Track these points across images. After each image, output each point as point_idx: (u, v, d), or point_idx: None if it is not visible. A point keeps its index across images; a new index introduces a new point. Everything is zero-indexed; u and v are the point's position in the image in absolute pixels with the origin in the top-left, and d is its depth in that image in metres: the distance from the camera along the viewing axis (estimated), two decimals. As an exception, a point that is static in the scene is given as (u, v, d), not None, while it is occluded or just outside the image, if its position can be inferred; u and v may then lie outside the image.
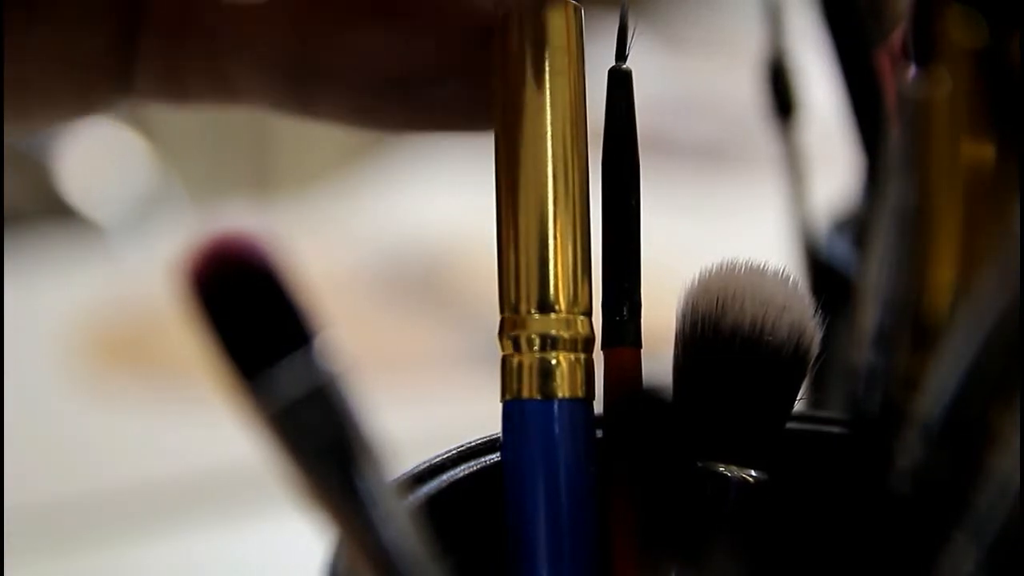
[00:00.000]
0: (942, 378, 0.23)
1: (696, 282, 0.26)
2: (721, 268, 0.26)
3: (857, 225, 0.40)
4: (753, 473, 0.25)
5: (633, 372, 0.26)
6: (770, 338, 0.25)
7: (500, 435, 0.27)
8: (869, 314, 0.25)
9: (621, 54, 0.26)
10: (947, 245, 0.24)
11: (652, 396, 0.24)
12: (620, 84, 0.27)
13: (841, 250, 0.40)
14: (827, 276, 0.40)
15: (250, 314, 0.21)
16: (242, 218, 0.21)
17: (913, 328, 0.24)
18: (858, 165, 0.39)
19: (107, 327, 0.70)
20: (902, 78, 0.23)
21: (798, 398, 0.26)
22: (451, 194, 0.84)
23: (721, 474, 0.25)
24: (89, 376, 0.64)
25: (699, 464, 0.25)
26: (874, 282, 0.24)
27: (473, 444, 0.27)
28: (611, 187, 0.27)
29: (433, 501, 0.25)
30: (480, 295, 0.69)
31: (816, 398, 0.28)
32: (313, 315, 0.21)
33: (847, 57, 0.37)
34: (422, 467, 0.26)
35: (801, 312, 0.26)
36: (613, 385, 0.26)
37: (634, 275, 0.27)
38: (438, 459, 0.26)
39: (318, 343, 0.21)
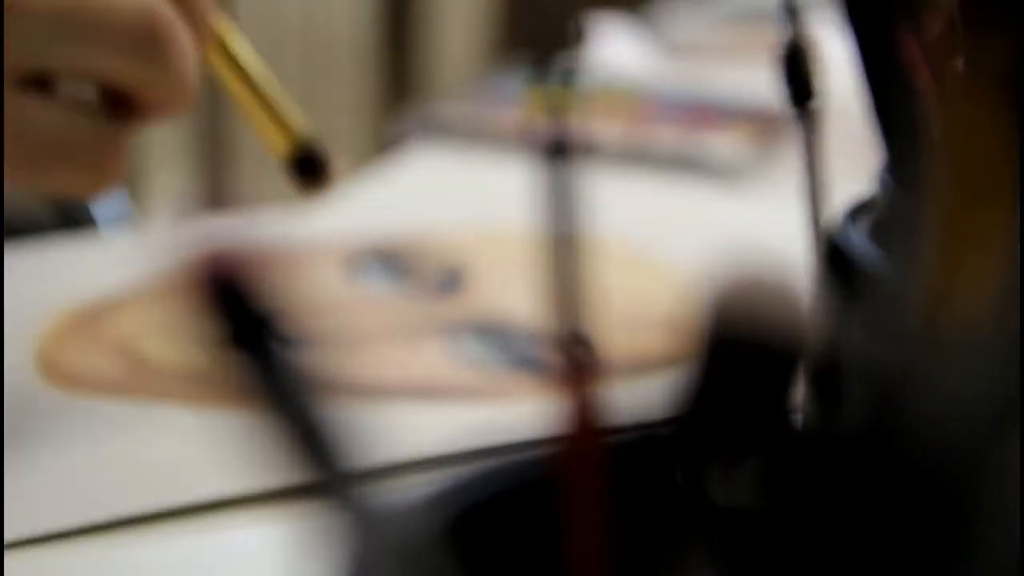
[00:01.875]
0: (957, 379, 0.23)
1: (701, 283, 0.25)
2: (727, 268, 0.26)
3: (875, 215, 0.41)
4: (746, 488, 0.25)
5: (588, 394, 0.26)
6: (773, 341, 0.25)
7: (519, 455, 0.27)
8: (887, 312, 0.25)
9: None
10: (977, 246, 0.23)
11: (652, 432, 0.24)
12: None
13: (858, 241, 0.40)
14: (843, 268, 0.40)
15: (237, 318, 0.21)
16: (238, 226, 0.21)
17: (930, 329, 0.24)
18: (877, 153, 0.39)
19: (99, 327, 0.71)
20: (949, 70, 0.23)
21: (800, 399, 0.26)
22: (455, 196, 0.85)
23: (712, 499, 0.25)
24: (80, 375, 0.65)
25: (693, 483, 0.25)
26: (894, 280, 0.24)
27: (495, 466, 0.27)
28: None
29: (453, 522, 0.25)
30: (484, 296, 0.69)
31: (825, 399, 0.28)
32: (299, 321, 0.21)
33: (868, 43, 0.37)
34: (442, 487, 0.26)
35: (806, 314, 0.25)
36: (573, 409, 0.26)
37: (582, 303, 0.26)
38: (455, 480, 0.26)
39: (300, 350, 0.21)
